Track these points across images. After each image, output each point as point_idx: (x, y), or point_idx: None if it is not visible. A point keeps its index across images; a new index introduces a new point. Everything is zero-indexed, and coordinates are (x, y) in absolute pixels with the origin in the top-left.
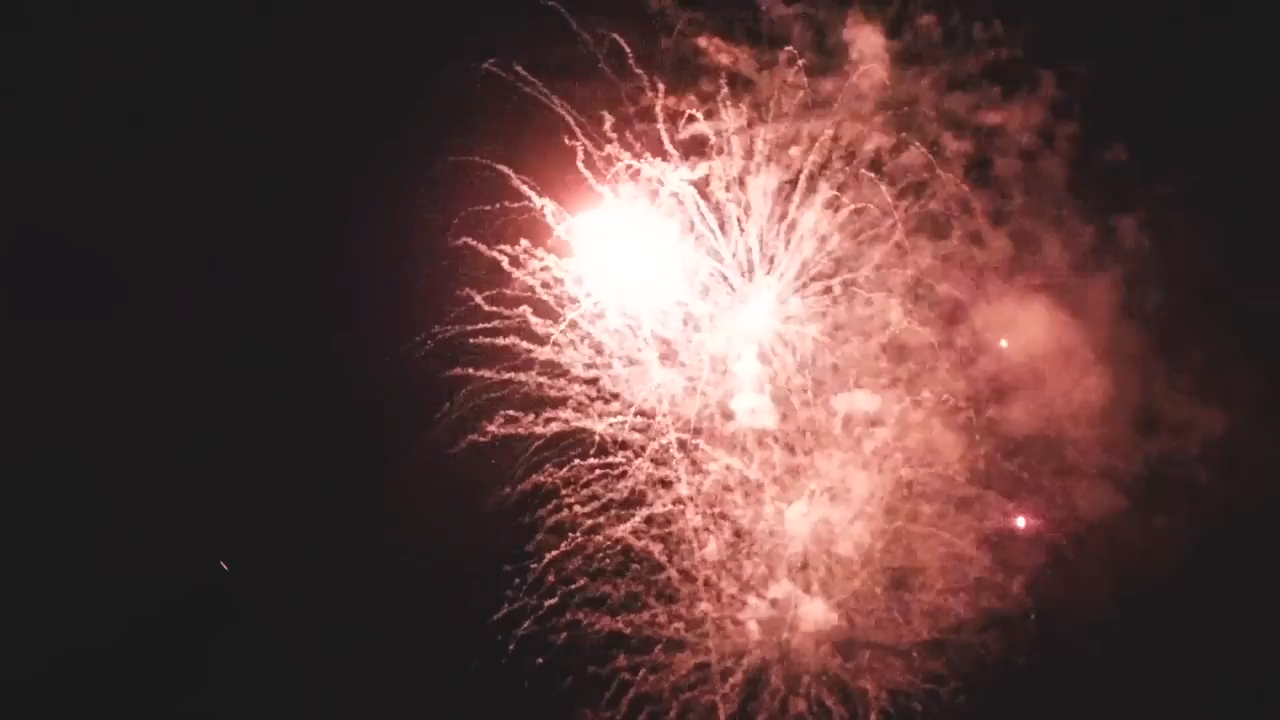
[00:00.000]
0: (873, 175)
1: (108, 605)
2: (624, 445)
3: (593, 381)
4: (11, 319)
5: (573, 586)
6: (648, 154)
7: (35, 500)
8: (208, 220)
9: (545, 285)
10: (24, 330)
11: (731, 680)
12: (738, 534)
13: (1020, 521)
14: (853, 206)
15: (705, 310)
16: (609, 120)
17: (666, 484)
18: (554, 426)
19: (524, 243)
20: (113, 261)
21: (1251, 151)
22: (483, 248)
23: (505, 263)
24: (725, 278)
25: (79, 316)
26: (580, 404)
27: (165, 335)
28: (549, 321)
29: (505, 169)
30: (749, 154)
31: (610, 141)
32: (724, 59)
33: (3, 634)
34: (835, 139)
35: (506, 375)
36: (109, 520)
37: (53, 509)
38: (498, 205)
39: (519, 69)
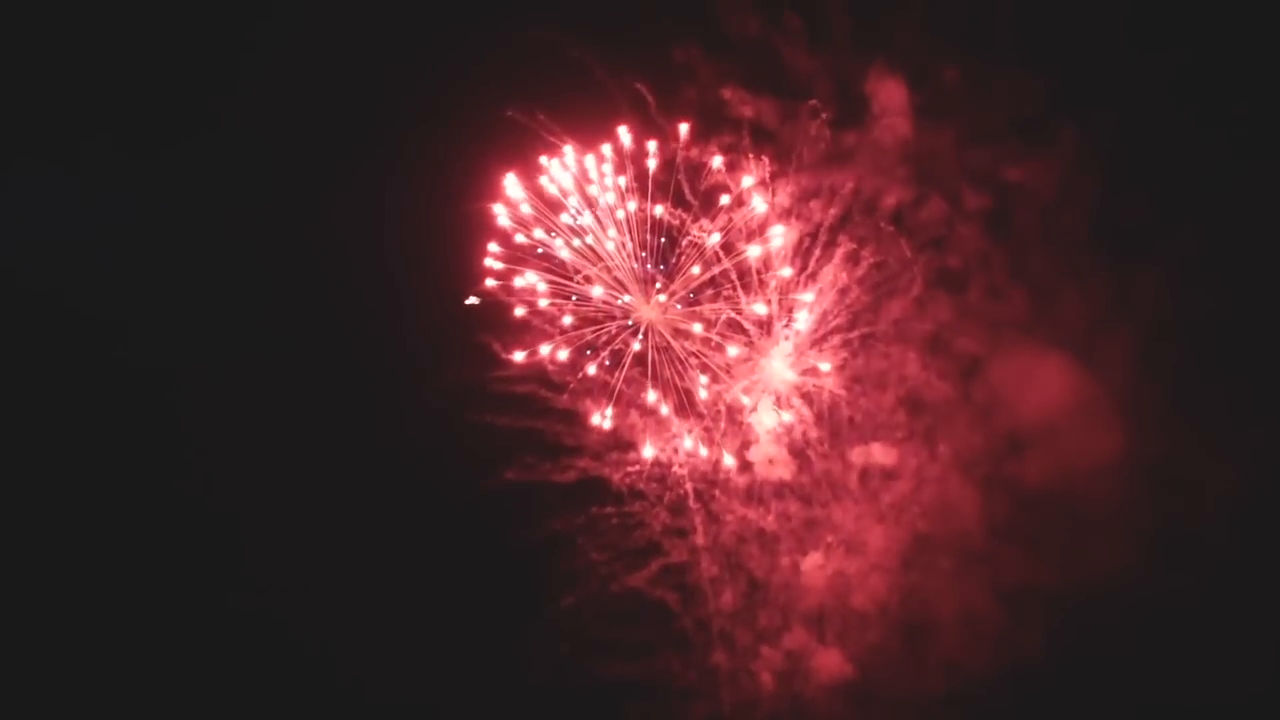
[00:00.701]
0: (893, 229)
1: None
2: (640, 494)
3: (610, 430)
4: None
5: (587, 633)
6: (668, 203)
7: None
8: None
9: (563, 330)
10: None
11: None
12: (753, 584)
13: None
14: (872, 260)
15: (723, 361)
16: (631, 171)
17: (683, 533)
18: (571, 474)
19: (543, 287)
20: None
21: (1268, 208)
22: (501, 293)
23: (523, 311)
24: (744, 329)
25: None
26: (597, 453)
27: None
28: (566, 369)
29: (525, 213)
30: (770, 206)
31: (631, 193)
32: (747, 110)
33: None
34: (856, 192)
35: (524, 422)
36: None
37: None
38: (517, 250)
39: (541, 116)
